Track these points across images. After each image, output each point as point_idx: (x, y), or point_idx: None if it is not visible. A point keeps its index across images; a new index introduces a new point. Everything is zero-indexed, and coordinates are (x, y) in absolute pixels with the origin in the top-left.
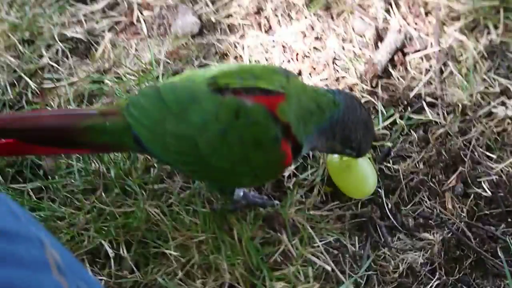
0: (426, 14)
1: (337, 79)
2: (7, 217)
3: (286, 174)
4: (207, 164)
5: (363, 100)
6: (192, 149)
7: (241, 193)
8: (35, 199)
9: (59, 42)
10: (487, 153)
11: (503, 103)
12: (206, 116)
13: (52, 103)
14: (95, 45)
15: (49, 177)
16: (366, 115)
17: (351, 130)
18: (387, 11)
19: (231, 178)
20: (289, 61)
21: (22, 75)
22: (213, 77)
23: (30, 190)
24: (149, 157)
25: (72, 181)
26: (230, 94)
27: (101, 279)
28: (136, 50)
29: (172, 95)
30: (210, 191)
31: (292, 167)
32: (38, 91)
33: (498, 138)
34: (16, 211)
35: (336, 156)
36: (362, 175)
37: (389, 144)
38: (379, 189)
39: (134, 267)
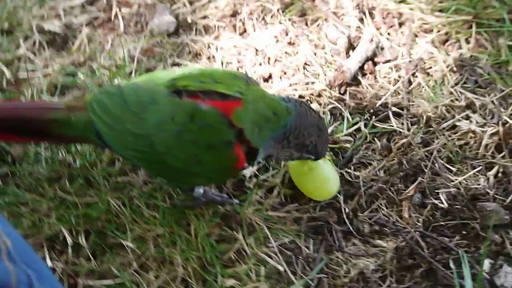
0: (400, 25)
1: (307, 84)
2: None
3: (247, 174)
4: (162, 162)
5: (330, 106)
6: (149, 147)
7: (201, 190)
8: (0, 183)
9: (37, 34)
10: (448, 165)
11: (467, 117)
12: (163, 116)
13: (26, 93)
14: (72, 38)
15: (17, 164)
16: (317, 118)
17: (304, 135)
18: (361, 20)
19: (185, 177)
20: (260, 64)
21: None
22: (172, 79)
23: None
24: None
25: (40, 169)
26: (187, 96)
27: (57, 266)
28: (111, 45)
29: (134, 95)
30: (169, 187)
31: (254, 168)
32: (13, 80)
33: (460, 151)
34: None
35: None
36: (324, 177)
37: (349, 146)
38: (338, 194)
39: (91, 256)
